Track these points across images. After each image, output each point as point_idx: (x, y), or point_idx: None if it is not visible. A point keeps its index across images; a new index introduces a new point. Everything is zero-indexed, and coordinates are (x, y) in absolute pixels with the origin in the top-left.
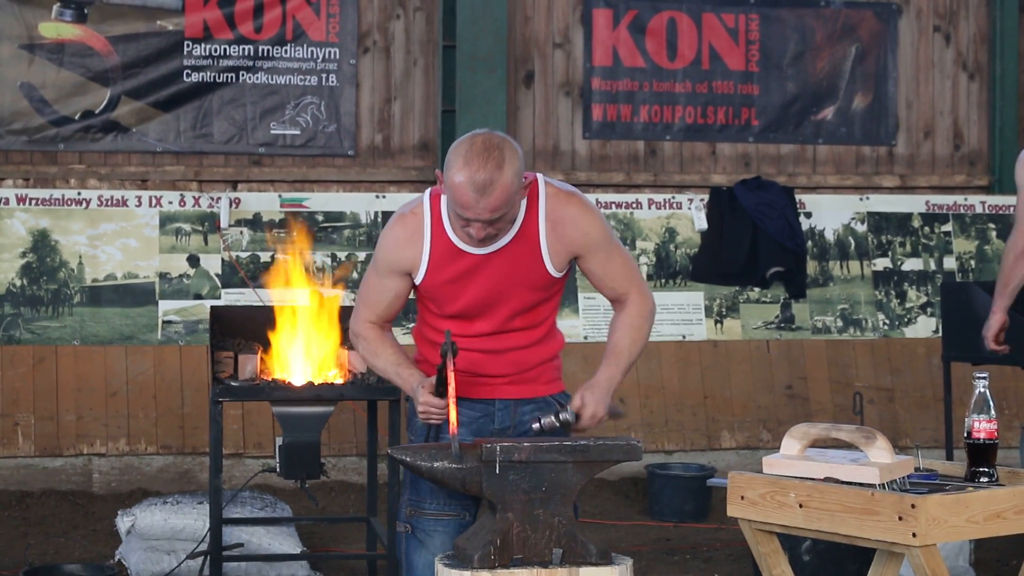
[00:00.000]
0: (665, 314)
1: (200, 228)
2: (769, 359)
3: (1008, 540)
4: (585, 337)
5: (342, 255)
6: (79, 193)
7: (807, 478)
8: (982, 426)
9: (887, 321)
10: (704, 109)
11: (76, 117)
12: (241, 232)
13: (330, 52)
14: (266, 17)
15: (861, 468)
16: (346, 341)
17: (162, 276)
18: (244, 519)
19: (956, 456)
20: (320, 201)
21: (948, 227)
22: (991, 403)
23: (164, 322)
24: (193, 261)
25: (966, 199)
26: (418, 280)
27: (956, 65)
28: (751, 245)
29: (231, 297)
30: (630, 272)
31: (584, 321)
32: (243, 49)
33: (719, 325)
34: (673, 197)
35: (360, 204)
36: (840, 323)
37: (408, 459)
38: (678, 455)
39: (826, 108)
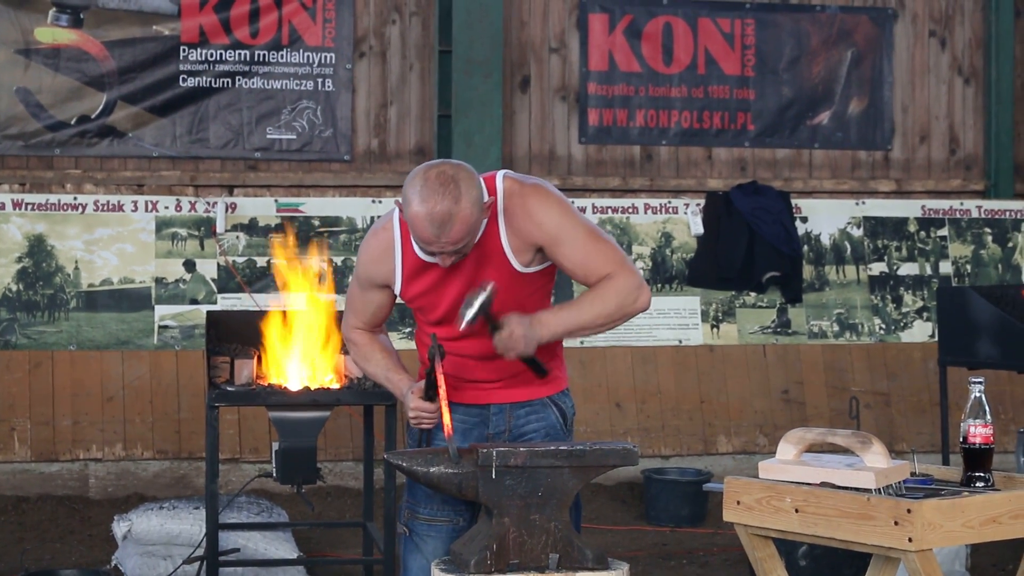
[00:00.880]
0: (661, 319)
1: (196, 233)
2: (765, 364)
3: (1004, 545)
4: (581, 342)
5: (338, 260)
6: (75, 198)
7: (803, 483)
8: (978, 431)
9: (883, 326)
10: (700, 114)
11: (72, 122)
12: (237, 237)
13: (326, 57)
14: (262, 22)
15: (857, 473)
16: (343, 346)
17: (158, 281)
18: (240, 524)
19: (952, 461)
20: (316, 206)
21: (944, 232)
22: (987, 408)
23: (160, 327)
24: (189, 266)
25: (962, 204)
26: (396, 292)
27: (952, 70)
28: (747, 250)
29: (227, 302)
30: (606, 257)
31: None
32: (239, 54)
33: (715, 330)
34: (669, 202)
35: (356, 209)
36: (836, 328)
37: (404, 464)
38: (675, 460)
39: (822, 113)
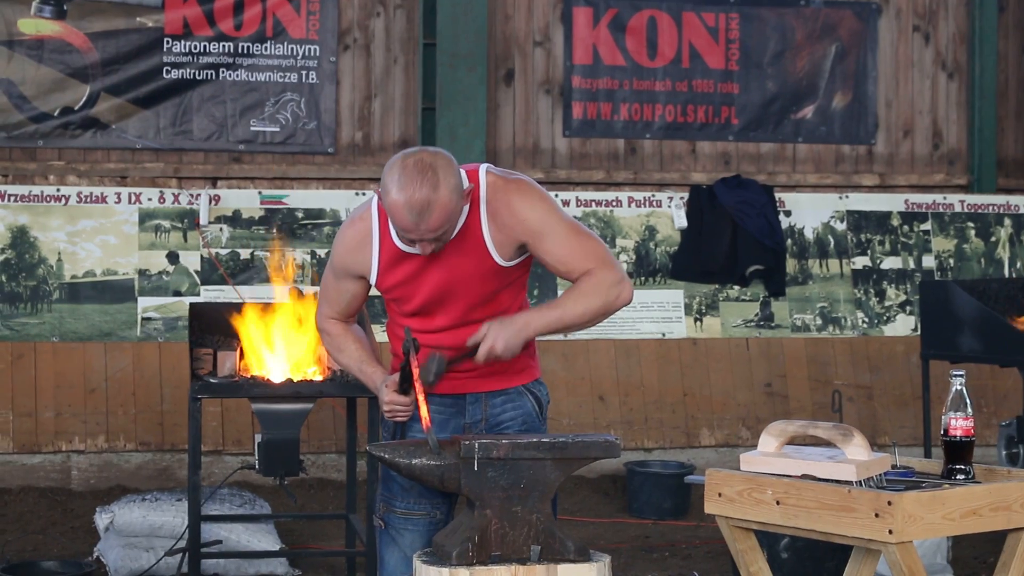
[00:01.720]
0: (645, 312)
1: (179, 225)
2: (748, 357)
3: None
4: (565, 335)
5: (322, 252)
6: (58, 190)
7: (784, 475)
8: (959, 423)
9: (866, 319)
10: (684, 107)
11: (55, 114)
12: (221, 229)
13: (310, 49)
14: (246, 14)
15: (838, 465)
16: None
17: (141, 273)
18: (223, 516)
19: (934, 454)
20: (300, 198)
21: (927, 226)
22: (968, 400)
23: (143, 319)
24: (172, 258)
25: (945, 198)
26: (372, 283)
27: (935, 65)
28: (731, 243)
29: (210, 294)
30: (587, 252)
31: None
32: (223, 46)
33: (699, 323)
34: (653, 195)
35: (340, 201)
36: (819, 321)
37: (387, 456)
38: (657, 453)
39: (806, 107)
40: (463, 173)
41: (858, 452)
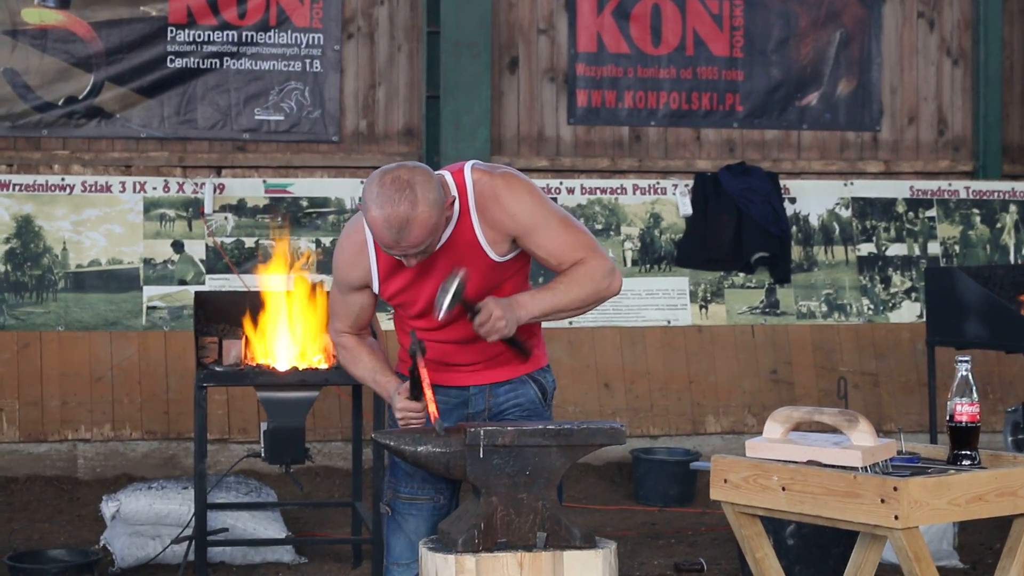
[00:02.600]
0: (650, 299)
1: (184, 214)
2: (754, 344)
3: (991, 523)
4: (570, 323)
5: (326, 241)
6: (63, 179)
7: (790, 461)
8: (964, 409)
9: (871, 306)
10: (689, 95)
11: (59, 103)
12: (225, 218)
13: (314, 38)
14: (250, 3)
15: (843, 451)
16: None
17: (146, 262)
18: (229, 504)
19: (941, 440)
20: (304, 187)
21: (932, 212)
22: (973, 386)
23: (149, 308)
24: (177, 247)
25: (950, 184)
26: (375, 292)
27: (940, 51)
28: (736, 230)
29: (216, 283)
30: (577, 243)
31: None
32: (227, 35)
33: (704, 310)
34: (658, 183)
35: (344, 190)
36: (825, 308)
37: (392, 443)
38: (663, 440)
39: (810, 94)
40: (450, 180)
41: (864, 438)
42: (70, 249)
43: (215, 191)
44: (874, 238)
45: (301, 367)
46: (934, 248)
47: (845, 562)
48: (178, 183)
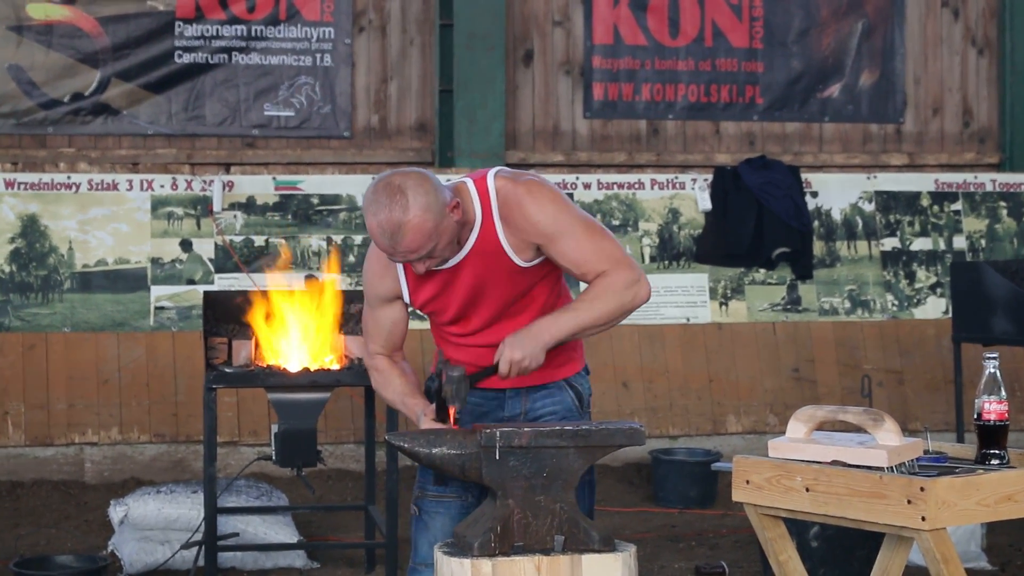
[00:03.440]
0: (669, 296)
1: (193, 212)
2: (775, 342)
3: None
4: None
5: (338, 238)
6: (69, 177)
7: (814, 461)
8: (992, 407)
9: (896, 302)
10: (707, 87)
11: (65, 100)
12: (235, 216)
13: (325, 32)
14: None
15: (869, 451)
16: (343, 326)
17: (154, 261)
18: (239, 508)
19: (968, 439)
20: (315, 184)
21: (958, 206)
22: (1001, 384)
23: (156, 308)
24: (186, 246)
25: (976, 177)
26: (407, 302)
27: (965, 40)
28: (756, 225)
29: (225, 282)
30: (601, 253)
31: None
32: (236, 29)
33: (724, 307)
34: (676, 177)
35: (356, 186)
36: (848, 304)
37: (406, 445)
38: (683, 440)
39: (832, 85)
40: (471, 187)
41: (889, 437)
42: (76, 249)
43: (224, 188)
44: (898, 232)
45: (313, 368)
46: (960, 242)
47: (870, 565)
48: (186, 181)
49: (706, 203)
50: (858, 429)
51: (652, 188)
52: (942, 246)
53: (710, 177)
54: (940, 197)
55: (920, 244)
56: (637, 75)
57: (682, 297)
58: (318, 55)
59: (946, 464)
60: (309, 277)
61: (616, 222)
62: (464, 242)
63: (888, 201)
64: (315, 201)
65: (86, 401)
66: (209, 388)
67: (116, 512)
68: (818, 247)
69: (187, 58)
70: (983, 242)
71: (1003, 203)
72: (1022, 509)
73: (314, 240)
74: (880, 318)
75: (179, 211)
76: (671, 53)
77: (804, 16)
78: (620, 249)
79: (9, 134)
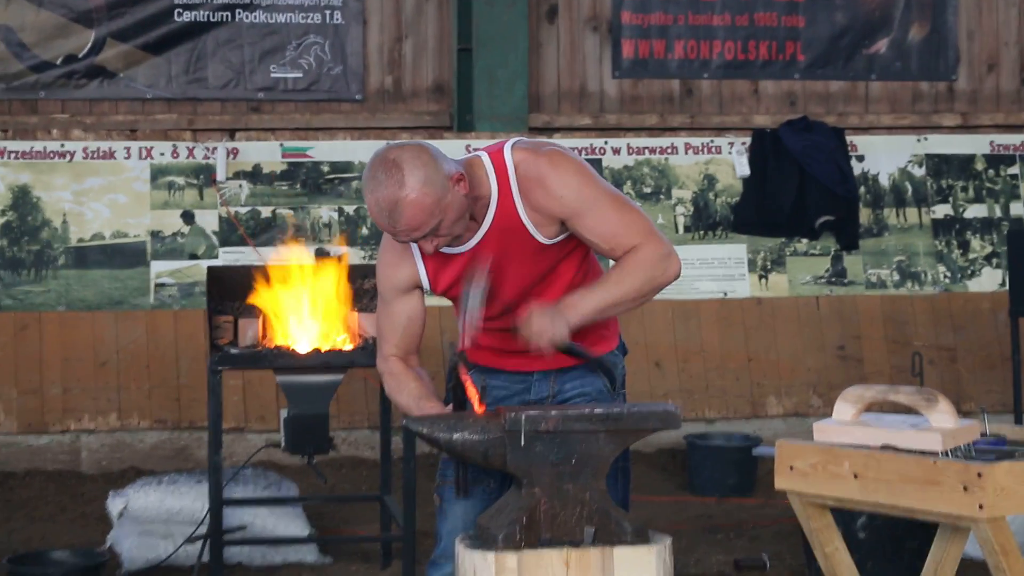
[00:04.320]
0: (705, 269)
1: (195, 182)
2: (819, 317)
3: None
4: None
5: (350, 209)
6: (62, 145)
7: (862, 446)
8: None
9: (948, 274)
10: (745, 44)
11: (58, 62)
12: (240, 185)
13: None
14: None
15: (922, 434)
16: (356, 303)
17: (154, 235)
18: (247, 499)
19: None
20: (325, 150)
21: (1015, 169)
22: None
23: (157, 285)
24: (188, 218)
25: None
26: (426, 288)
27: None
28: (798, 192)
29: (230, 256)
30: (630, 227)
31: None
32: None
33: (764, 280)
34: (712, 141)
35: (369, 153)
36: (897, 277)
37: (425, 431)
38: (720, 424)
39: (879, 40)
40: (487, 161)
41: (944, 419)
42: (71, 222)
43: (228, 156)
44: (950, 199)
45: (324, 348)
46: (1017, 209)
47: (922, 557)
48: (188, 148)
49: (744, 168)
50: (909, 410)
51: (686, 153)
52: (998, 213)
53: (748, 140)
54: (995, 160)
55: (974, 211)
56: (669, 31)
57: (719, 270)
58: (327, 12)
59: (1005, 448)
60: (319, 251)
61: (647, 190)
62: (481, 220)
63: (940, 165)
64: (325, 169)
65: (82, 385)
66: (213, 370)
67: (115, 504)
68: (864, 215)
69: (188, 16)
70: None
71: None
72: None
73: (324, 211)
74: (931, 291)
75: (180, 181)
76: (706, 7)
77: None
78: (649, 222)
79: None
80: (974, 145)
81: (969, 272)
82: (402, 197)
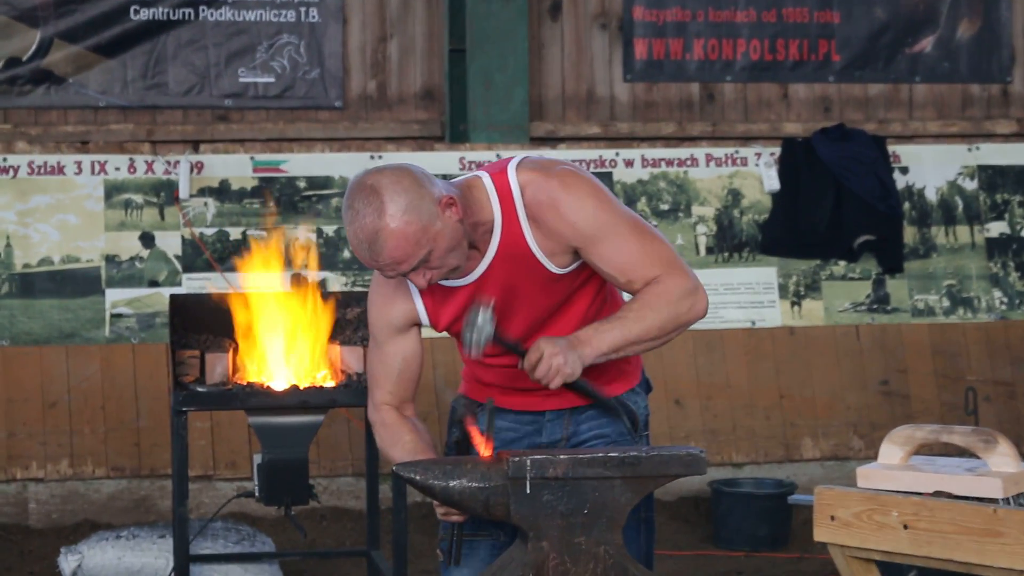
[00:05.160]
0: (730, 295)
1: (155, 200)
2: (859, 349)
3: None
4: None
5: (329, 230)
6: (4, 159)
7: (912, 493)
8: None
9: (1005, 299)
10: (773, 42)
11: None
12: (205, 203)
13: None
14: None
15: (980, 479)
16: (338, 334)
17: (109, 259)
18: (216, 555)
19: None
20: (301, 164)
21: None
22: None
23: (113, 316)
24: (147, 240)
25: None
26: (425, 324)
27: None
28: (834, 209)
29: (194, 283)
30: (651, 256)
31: None
32: None
33: (796, 308)
34: (737, 151)
35: (350, 166)
36: (946, 303)
37: (417, 478)
38: (749, 468)
39: (924, 38)
40: (488, 183)
41: (1004, 463)
42: (15, 245)
43: (192, 171)
44: (1007, 215)
45: (303, 386)
46: None
47: None
48: (146, 162)
49: (773, 182)
50: (964, 453)
51: (707, 165)
52: None
53: (777, 151)
54: None
55: None
56: (687, 29)
57: (746, 296)
58: (303, 9)
59: None
60: (296, 276)
61: (664, 207)
62: (484, 249)
63: (994, 177)
64: (301, 185)
65: (29, 429)
66: (178, 411)
67: (68, 562)
68: (909, 234)
69: (145, 14)
70: None
71: None
72: None
73: (301, 232)
74: (986, 319)
75: (138, 199)
76: (728, 2)
77: None
78: (673, 252)
79: None
80: None
81: None
82: (382, 227)
